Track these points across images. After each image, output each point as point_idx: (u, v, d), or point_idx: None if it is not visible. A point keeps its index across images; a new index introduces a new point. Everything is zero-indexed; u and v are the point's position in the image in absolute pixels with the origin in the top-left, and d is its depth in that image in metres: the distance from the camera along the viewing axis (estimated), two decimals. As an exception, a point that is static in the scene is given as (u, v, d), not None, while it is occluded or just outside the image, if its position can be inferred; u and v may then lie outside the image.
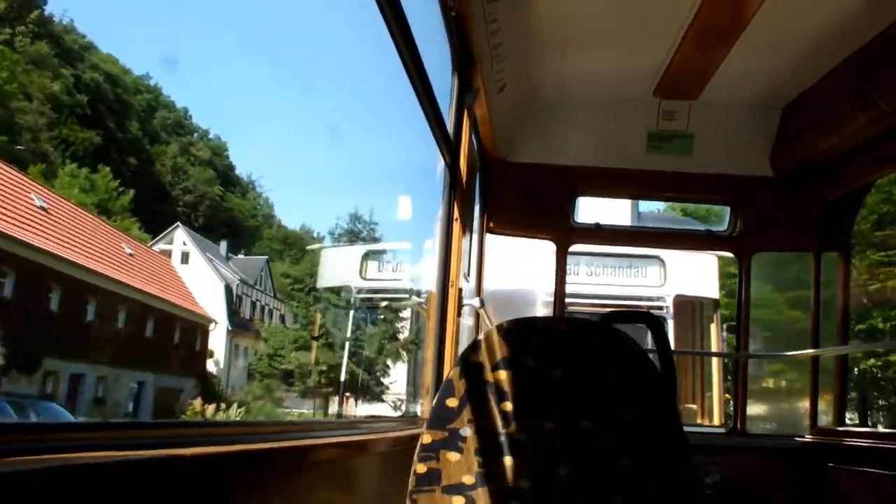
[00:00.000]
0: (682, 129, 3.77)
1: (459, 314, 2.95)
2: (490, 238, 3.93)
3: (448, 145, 2.67)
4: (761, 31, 3.00)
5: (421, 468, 1.98)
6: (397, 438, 2.21)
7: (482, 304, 3.40)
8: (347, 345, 32.77)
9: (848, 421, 4.32)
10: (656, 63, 3.42)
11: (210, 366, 41.11)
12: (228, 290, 46.21)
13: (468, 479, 1.97)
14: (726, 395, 8.11)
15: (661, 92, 3.67)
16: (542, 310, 6.91)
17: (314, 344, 35.85)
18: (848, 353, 4.05)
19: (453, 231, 2.80)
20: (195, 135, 73.47)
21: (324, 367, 34.84)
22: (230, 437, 1.39)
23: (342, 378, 32.07)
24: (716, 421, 8.05)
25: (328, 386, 34.67)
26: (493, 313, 3.79)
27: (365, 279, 10.93)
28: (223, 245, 54.34)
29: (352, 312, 32.40)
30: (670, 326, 7.88)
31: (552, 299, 3.91)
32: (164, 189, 63.96)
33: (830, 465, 3.37)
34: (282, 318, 48.96)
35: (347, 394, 33.78)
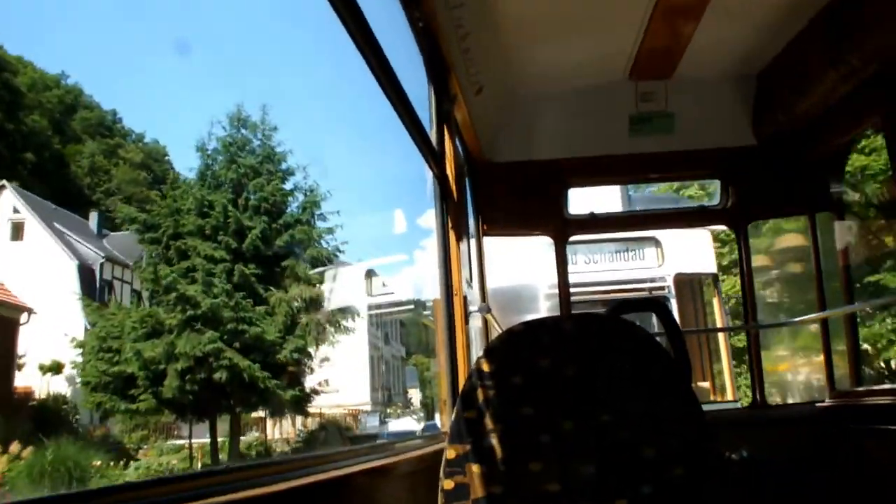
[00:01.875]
0: (662, 108, 3.77)
1: (467, 322, 2.93)
2: (485, 240, 3.91)
3: (433, 155, 2.66)
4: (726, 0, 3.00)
5: (448, 484, 1.96)
6: (421, 457, 2.19)
7: (488, 309, 3.38)
8: (228, 321, 21.10)
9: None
10: (627, 45, 3.42)
11: (56, 383, 26.86)
12: (87, 271, 32.98)
13: (497, 489, 1.95)
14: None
15: (636, 73, 3.67)
16: (545, 303, 6.90)
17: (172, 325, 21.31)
18: (856, 311, 4.04)
19: (450, 239, 2.78)
20: (129, 138, 65.38)
21: (187, 364, 20.94)
22: (252, 480, 1.36)
23: (219, 378, 20.70)
24: (729, 396, 8.05)
25: (198, 396, 21.27)
26: (496, 313, 3.78)
27: (371, 295, 10.90)
28: (94, 217, 40.59)
29: (238, 267, 22.24)
30: (673, 306, 7.89)
31: (553, 292, 3.90)
32: (82, 192, 54.13)
33: (852, 426, 3.37)
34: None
35: (239, 409, 22.28)
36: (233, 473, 1.45)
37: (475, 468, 1.96)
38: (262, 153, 24.74)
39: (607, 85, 3.74)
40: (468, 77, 3.03)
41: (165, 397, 21.33)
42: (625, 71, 3.64)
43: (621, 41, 3.38)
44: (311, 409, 25.74)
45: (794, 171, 3.76)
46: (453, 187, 2.89)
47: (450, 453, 1.98)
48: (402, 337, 49.29)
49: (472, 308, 3.03)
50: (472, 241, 3.59)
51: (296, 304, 22.90)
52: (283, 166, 25.03)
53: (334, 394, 25.99)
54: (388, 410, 38.83)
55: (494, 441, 1.97)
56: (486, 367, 2.04)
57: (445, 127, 2.85)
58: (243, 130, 25.12)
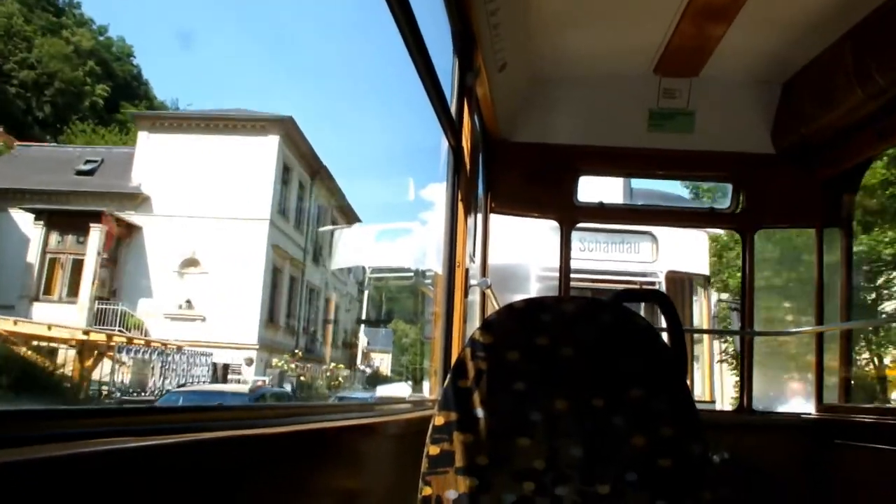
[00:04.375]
0: (683, 106, 3.76)
1: (466, 295, 2.95)
2: (491, 217, 3.92)
3: (451, 127, 2.65)
4: (759, 6, 2.99)
5: (434, 450, 1.99)
6: (409, 420, 2.22)
7: (488, 284, 3.40)
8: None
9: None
10: (656, 40, 3.40)
11: None
12: None
13: (482, 460, 1.98)
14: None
15: (662, 69, 3.65)
16: (537, 285, 6.94)
17: None
18: (852, 328, 4.08)
19: (458, 212, 2.79)
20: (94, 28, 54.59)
21: None
22: (244, 420, 1.39)
23: None
24: (706, 398, 8.14)
25: None
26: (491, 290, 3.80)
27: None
28: None
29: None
30: None
31: (546, 275, 3.91)
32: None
33: (837, 441, 3.41)
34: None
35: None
36: (224, 412, 1.47)
37: (462, 437, 1.98)
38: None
39: (631, 77, 3.73)
40: (493, 53, 3.01)
41: None
42: (650, 65, 3.62)
43: (650, 35, 3.36)
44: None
45: (808, 183, 3.76)
46: (467, 161, 2.89)
47: (438, 420, 2.00)
48: (355, 274, 34.96)
49: (472, 282, 3.05)
50: (479, 217, 3.60)
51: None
52: None
53: (198, 323, 17.93)
54: (277, 361, 24.07)
55: (484, 413, 2.00)
56: (483, 340, 2.05)
57: (466, 100, 2.84)
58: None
